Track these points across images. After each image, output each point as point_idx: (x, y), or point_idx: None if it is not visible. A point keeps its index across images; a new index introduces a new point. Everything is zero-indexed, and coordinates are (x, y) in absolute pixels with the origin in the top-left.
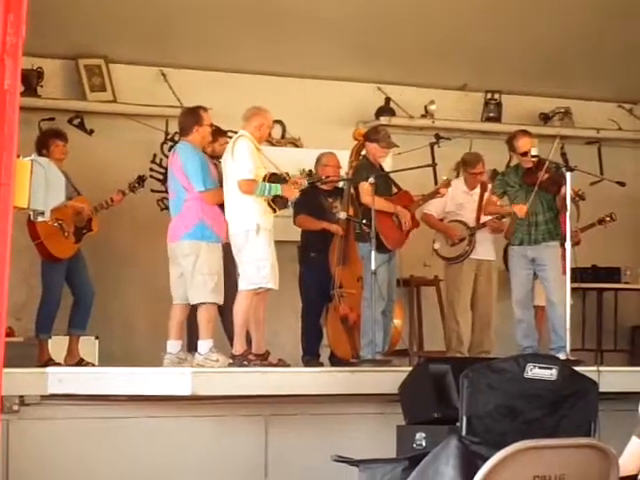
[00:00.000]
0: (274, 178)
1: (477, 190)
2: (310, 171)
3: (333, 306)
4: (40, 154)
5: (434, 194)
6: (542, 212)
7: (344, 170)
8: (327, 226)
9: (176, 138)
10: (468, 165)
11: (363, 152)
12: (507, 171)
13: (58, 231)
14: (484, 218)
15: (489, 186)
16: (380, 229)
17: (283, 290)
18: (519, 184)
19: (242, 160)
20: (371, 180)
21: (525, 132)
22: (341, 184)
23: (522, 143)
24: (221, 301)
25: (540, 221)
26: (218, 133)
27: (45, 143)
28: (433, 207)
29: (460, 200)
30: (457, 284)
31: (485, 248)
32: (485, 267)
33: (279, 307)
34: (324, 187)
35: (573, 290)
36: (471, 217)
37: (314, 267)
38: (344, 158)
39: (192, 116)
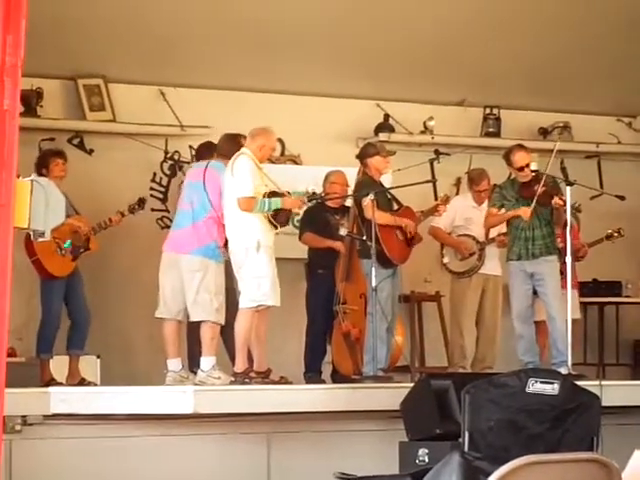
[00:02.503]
0: (274, 196)
1: (485, 205)
2: (314, 192)
3: (337, 322)
4: (40, 174)
5: (433, 210)
6: (539, 226)
7: (352, 188)
8: (330, 244)
9: (176, 157)
10: (473, 182)
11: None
12: (504, 184)
13: (55, 248)
14: (491, 232)
15: None
16: (384, 244)
17: (287, 307)
18: (516, 198)
19: (242, 178)
20: (371, 196)
21: (521, 146)
22: (344, 201)
23: (518, 157)
24: (223, 321)
25: (537, 235)
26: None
27: (45, 162)
28: (442, 221)
29: (469, 214)
30: (464, 299)
31: (492, 263)
32: (492, 282)
33: (282, 324)
34: (330, 204)
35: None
36: (480, 232)
37: (321, 284)
38: (351, 175)
39: (234, 143)
